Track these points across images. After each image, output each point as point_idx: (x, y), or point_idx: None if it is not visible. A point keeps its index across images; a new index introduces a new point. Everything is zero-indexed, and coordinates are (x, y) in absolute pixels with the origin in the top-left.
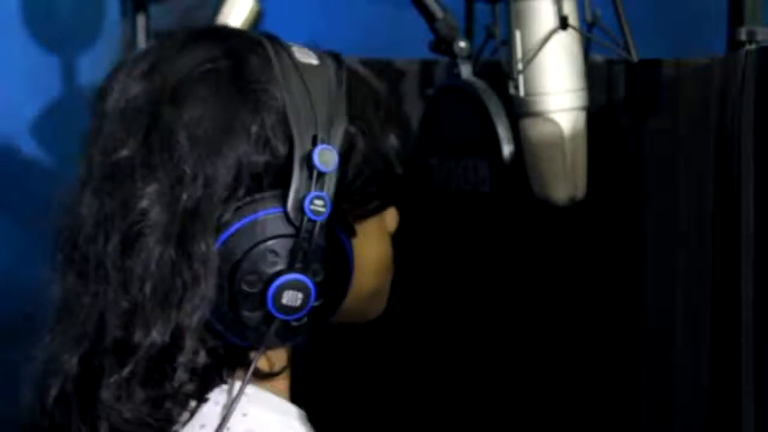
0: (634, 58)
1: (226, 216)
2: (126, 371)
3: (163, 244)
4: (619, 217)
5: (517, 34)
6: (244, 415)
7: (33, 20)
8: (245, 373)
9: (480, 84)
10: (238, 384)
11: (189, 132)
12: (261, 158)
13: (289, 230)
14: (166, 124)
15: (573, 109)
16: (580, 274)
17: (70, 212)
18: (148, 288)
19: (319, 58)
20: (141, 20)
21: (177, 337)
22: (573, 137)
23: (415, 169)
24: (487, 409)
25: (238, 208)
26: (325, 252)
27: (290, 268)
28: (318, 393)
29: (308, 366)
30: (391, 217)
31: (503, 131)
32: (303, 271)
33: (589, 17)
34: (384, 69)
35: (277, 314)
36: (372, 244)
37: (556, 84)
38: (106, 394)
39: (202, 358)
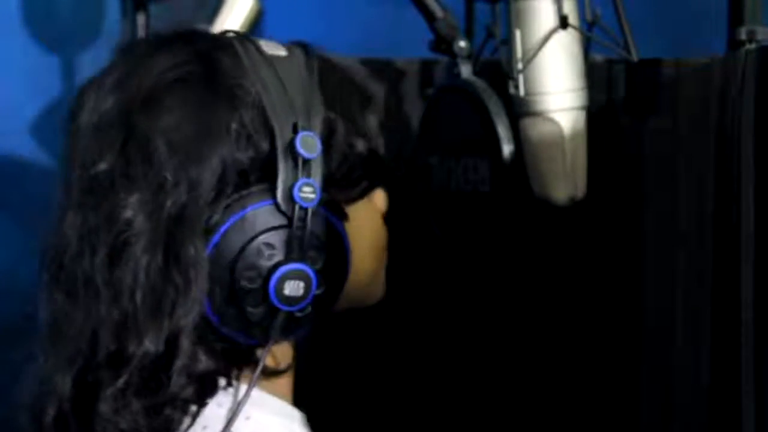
0: (634, 57)
1: (216, 216)
2: (121, 382)
3: (150, 252)
4: (619, 217)
5: (517, 34)
6: (248, 418)
7: (33, 20)
8: (250, 374)
9: (480, 83)
10: (240, 386)
11: (166, 138)
12: (245, 155)
13: (282, 221)
14: (142, 132)
15: (573, 108)
16: (580, 273)
17: (53, 233)
18: (138, 297)
19: (288, 49)
20: (141, 20)
21: (172, 344)
22: (573, 137)
23: (415, 169)
24: (487, 409)
25: (227, 206)
26: (320, 238)
27: (288, 258)
28: (317, 393)
29: (307, 366)
30: (379, 198)
31: (503, 131)
32: (301, 259)
33: (589, 17)
34: (384, 69)
35: (280, 306)
36: (364, 227)
37: (556, 83)
38: (103, 408)
39: (201, 362)
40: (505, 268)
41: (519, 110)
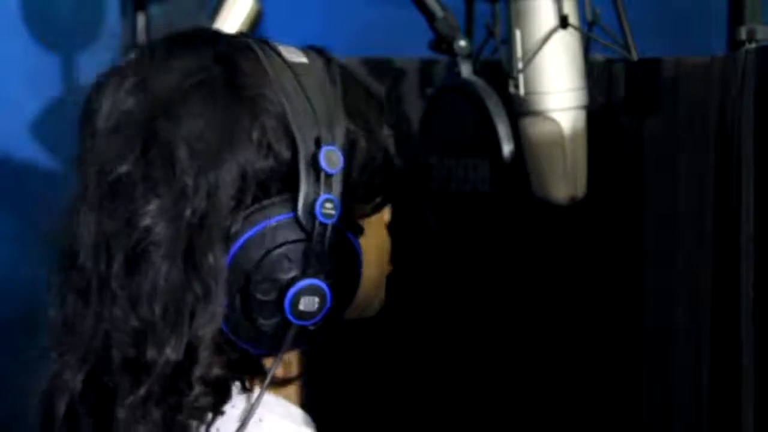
0: (634, 57)
1: (236, 226)
2: (142, 391)
3: (170, 261)
4: (619, 217)
5: (517, 33)
6: (260, 420)
7: (33, 20)
8: (261, 381)
9: (480, 83)
10: (252, 389)
11: (188, 145)
12: (265, 164)
13: (301, 235)
14: (164, 138)
15: (573, 108)
16: (580, 273)
17: (66, 232)
18: (157, 306)
19: (308, 55)
20: (141, 20)
21: (191, 352)
22: (573, 136)
23: (415, 169)
24: (486, 409)
25: (247, 216)
26: (338, 254)
27: (305, 273)
28: (316, 394)
29: (311, 369)
30: (386, 209)
31: (503, 130)
32: (317, 275)
33: (589, 16)
34: (384, 68)
35: (295, 321)
36: (373, 238)
37: (556, 83)
38: (121, 414)
39: (216, 369)
40: (505, 267)
41: (519, 110)
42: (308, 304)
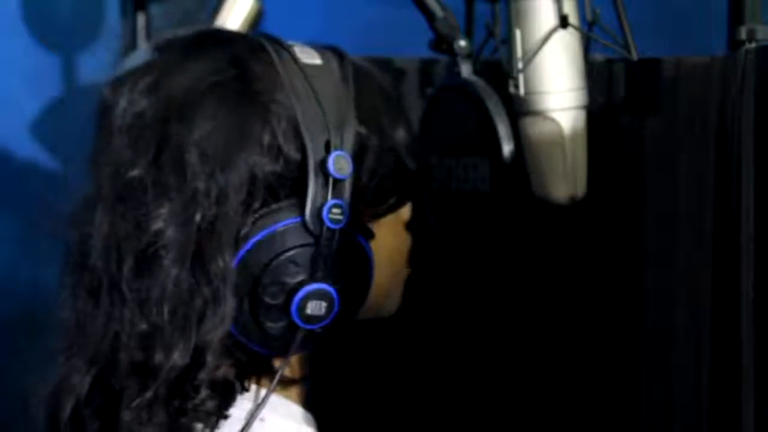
0: (634, 57)
1: (244, 229)
2: (149, 394)
3: (179, 265)
4: (619, 217)
5: (517, 33)
6: (262, 420)
7: (33, 20)
8: (265, 381)
9: (480, 83)
10: (256, 389)
11: (200, 149)
12: (275, 168)
13: (309, 240)
14: (177, 142)
15: (573, 108)
16: (579, 273)
17: (78, 230)
18: (166, 310)
19: (322, 56)
20: (141, 20)
21: (198, 356)
22: (573, 136)
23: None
24: (486, 409)
25: (256, 220)
26: (346, 258)
27: (312, 277)
28: (317, 393)
29: (313, 369)
30: (404, 209)
31: (503, 130)
32: (325, 279)
33: (589, 16)
34: (384, 68)
35: (302, 325)
36: (388, 240)
37: (556, 83)
38: (127, 417)
39: (223, 372)
40: (505, 267)
41: (519, 109)
42: (315, 308)
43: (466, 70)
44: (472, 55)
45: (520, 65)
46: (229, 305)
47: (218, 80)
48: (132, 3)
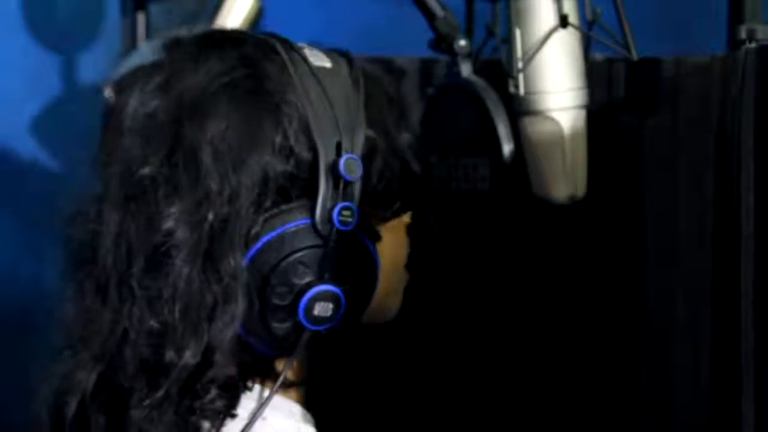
0: (635, 56)
1: (255, 229)
2: (160, 393)
3: (190, 264)
4: (619, 217)
5: (517, 33)
6: (263, 418)
7: (33, 20)
8: (268, 381)
9: (480, 82)
10: (258, 388)
11: (213, 149)
12: (286, 169)
13: (318, 241)
14: (189, 141)
15: (573, 107)
16: (580, 273)
17: (84, 226)
18: (177, 308)
19: (332, 59)
20: (141, 20)
21: (208, 355)
22: (573, 136)
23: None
24: (486, 409)
25: (266, 220)
26: (353, 260)
27: (321, 279)
28: (316, 392)
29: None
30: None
31: (503, 130)
32: (332, 281)
33: (589, 15)
34: (384, 67)
35: (309, 326)
36: (391, 242)
37: (556, 82)
38: (136, 415)
39: (231, 372)
40: (504, 267)
41: (519, 109)
42: (323, 309)
43: (466, 69)
44: (472, 55)
45: (520, 65)
46: (240, 305)
47: (230, 80)
48: (132, 3)
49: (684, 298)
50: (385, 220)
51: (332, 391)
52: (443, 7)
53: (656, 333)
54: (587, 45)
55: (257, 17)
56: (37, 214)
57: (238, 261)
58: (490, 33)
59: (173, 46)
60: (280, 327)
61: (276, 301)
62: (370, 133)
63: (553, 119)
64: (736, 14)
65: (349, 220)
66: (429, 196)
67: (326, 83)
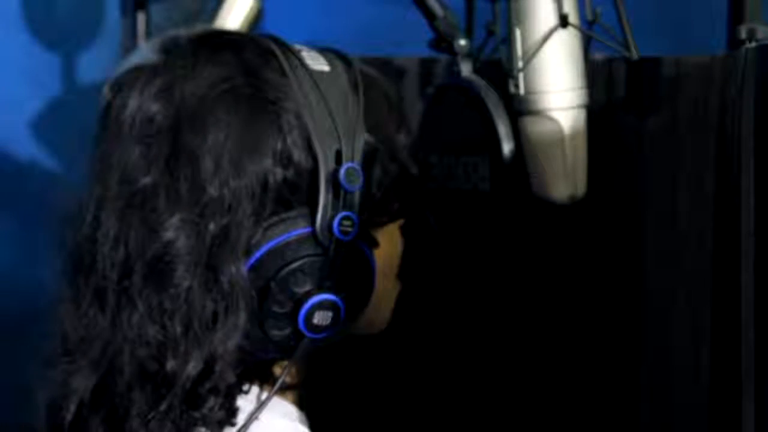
0: (635, 56)
1: (255, 238)
2: (162, 404)
3: (191, 274)
4: (619, 216)
5: (517, 32)
6: (257, 419)
7: (33, 20)
8: (265, 384)
9: (480, 82)
10: (255, 389)
11: (213, 157)
12: (286, 176)
13: (318, 250)
14: (189, 150)
15: (573, 107)
16: (579, 273)
17: (83, 233)
18: (178, 319)
19: (329, 62)
20: (141, 20)
21: (210, 364)
22: (573, 135)
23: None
24: (485, 408)
25: (266, 228)
26: (351, 268)
27: (320, 288)
28: (312, 392)
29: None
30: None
31: (503, 129)
32: (331, 289)
33: (589, 15)
34: (384, 67)
35: (308, 334)
36: (386, 247)
37: (557, 82)
38: (135, 424)
39: (230, 379)
40: (504, 267)
41: (519, 109)
42: (322, 318)
43: (466, 69)
44: (472, 55)
45: (520, 64)
46: (242, 313)
47: (229, 87)
48: (132, 3)
49: (684, 298)
50: (383, 224)
51: (328, 393)
52: (443, 6)
53: (656, 333)
54: (587, 45)
55: (257, 17)
56: (37, 214)
57: (240, 269)
58: (490, 33)
59: (172, 48)
60: (279, 334)
61: (276, 308)
62: (370, 138)
63: (553, 119)
64: (736, 14)
65: (349, 229)
66: (428, 197)
67: (325, 88)
